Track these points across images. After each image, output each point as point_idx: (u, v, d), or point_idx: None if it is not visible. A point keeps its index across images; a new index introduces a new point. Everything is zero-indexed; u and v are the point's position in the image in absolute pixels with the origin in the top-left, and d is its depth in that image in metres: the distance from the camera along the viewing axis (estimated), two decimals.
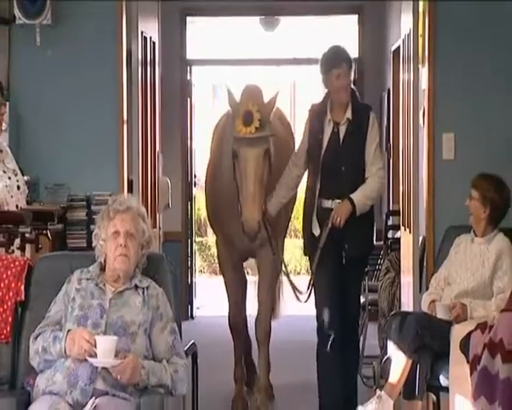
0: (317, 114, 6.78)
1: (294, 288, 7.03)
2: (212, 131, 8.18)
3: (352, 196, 6.58)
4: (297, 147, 7.31)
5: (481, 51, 7.69)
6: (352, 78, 6.88)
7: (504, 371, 5.68)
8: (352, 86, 6.98)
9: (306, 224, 6.82)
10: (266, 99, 7.10)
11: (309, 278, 6.91)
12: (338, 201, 6.61)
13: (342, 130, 6.69)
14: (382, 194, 6.81)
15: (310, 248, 6.82)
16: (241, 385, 7.75)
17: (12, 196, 5.93)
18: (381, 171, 6.76)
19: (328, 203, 6.66)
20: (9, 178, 5.98)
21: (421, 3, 7.96)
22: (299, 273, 15.61)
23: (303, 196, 7.10)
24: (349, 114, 6.69)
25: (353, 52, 12.18)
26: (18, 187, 6.02)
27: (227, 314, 7.75)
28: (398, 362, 6.25)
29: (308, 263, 7.19)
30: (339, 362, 6.77)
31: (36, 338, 4.74)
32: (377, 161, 6.73)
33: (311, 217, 6.74)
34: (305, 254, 6.99)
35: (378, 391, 6.05)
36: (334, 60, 6.77)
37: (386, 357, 6.30)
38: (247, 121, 6.82)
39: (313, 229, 6.74)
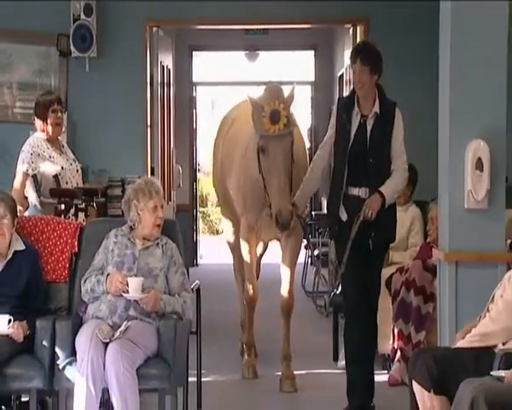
0: (345, 107, 5.25)
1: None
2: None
3: (381, 189, 5.09)
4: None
5: (402, 76, 7.69)
6: (373, 75, 5.15)
7: (416, 301, 5.72)
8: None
9: (333, 209, 5.27)
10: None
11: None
12: (365, 189, 5.13)
13: (370, 123, 5.15)
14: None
15: (338, 233, 5.29)
16: (251, 351, 6.21)
17: (74, 177, 5.94)
18: (405, 164, 5.22)
19: (355, 191, 5.15)
20: (71, 164, 5.98)
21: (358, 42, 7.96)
22: None
23: None
24: (377, 109, 5.16)
25: (310, 77, 12.27)
26: (77, 170, 6.03)
27: (244, 293, 6.19)
28: None
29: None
30: (366, 345, 5.22)
31: (85, 281, 4.68)
32: (402, 155, 5.20)
33: (339, 203, 5.20)
34: (331, 238, 5.53)
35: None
36: (356, 53, 5.23)
37: (333, 292, 6.28)
38: (274, 119, 5.42)
39: (340, 215, 5.19)
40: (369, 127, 5.16)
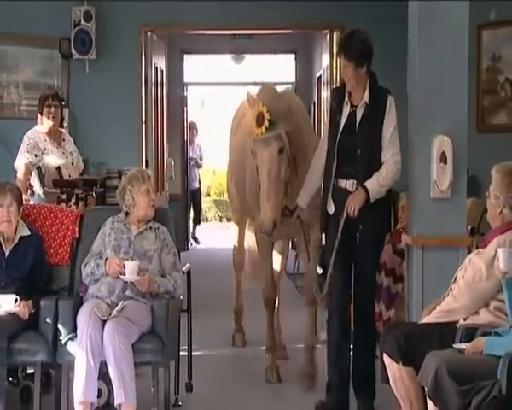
0: (337, 97, 4.68)
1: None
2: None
3: (366, 183, 4.48)
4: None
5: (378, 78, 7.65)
6: (359, 68, 4.57)
7: (386, 282, 5.73)
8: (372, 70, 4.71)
9: (322, 202, 4.72)
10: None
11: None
12: (352, 181, 4.55)
13: (359, 113, 4.57)
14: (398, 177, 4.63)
15: (325, 227, 4.72)
16: (274, 355, 5.56)
17: (67, 169, 5.92)
18: (396, 156, 4.55)
19: (342, 183, 4.59)
20: (66, 157, 5.96)
21: (334, 46, 7.98)
22: None
23: None
24: (366, 98, 4.56)
25: (291, 78, 12.26)
26: (72, 163, 6.00)
27: (263, 287, 5.55)
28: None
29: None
30: (347, 349, 4.75)
31: (85, 266, 4.69)
32: (392, 146, 4.54)
33: (327, 196, 4.66)
34: (321, 232, 4.76)
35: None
36: (340, 48, 4.69)
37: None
38: (258, 123, 4.78)
39: (328, 208, 4.67)
40: (358, 117, 4.58)
